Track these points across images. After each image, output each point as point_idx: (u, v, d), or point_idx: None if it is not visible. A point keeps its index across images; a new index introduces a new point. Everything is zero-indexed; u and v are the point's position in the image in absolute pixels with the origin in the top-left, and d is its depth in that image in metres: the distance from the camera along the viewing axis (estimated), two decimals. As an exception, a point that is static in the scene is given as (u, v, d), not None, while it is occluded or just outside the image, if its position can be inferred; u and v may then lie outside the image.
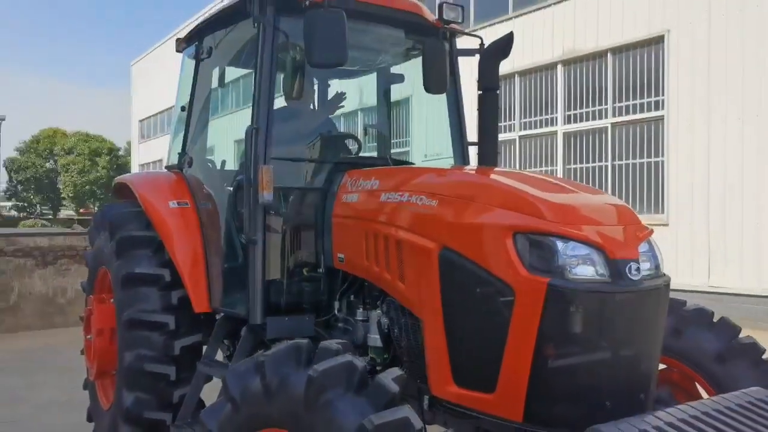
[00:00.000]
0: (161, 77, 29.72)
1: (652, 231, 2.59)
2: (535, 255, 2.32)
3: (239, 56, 4.20)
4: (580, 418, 2.20)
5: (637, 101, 10.85)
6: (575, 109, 11.87)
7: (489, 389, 2.39)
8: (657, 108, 10.53)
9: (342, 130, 4.61)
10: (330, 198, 3.35)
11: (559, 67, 12.05)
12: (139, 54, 36.21)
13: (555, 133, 12.16)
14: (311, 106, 4.44)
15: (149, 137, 34.74)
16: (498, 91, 3.58)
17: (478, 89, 3.58)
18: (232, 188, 3.59)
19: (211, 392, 3.55)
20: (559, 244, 2.29)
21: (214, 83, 4.25)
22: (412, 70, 4.25)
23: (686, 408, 2.19)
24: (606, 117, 11.28)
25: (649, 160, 10.68)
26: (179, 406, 3.66)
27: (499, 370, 2.35)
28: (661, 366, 3.18)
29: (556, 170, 12.08)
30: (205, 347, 3.83)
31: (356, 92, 4.95)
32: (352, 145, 4.22)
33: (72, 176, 57.89)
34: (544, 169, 12.37)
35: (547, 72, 12.35)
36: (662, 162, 10.43)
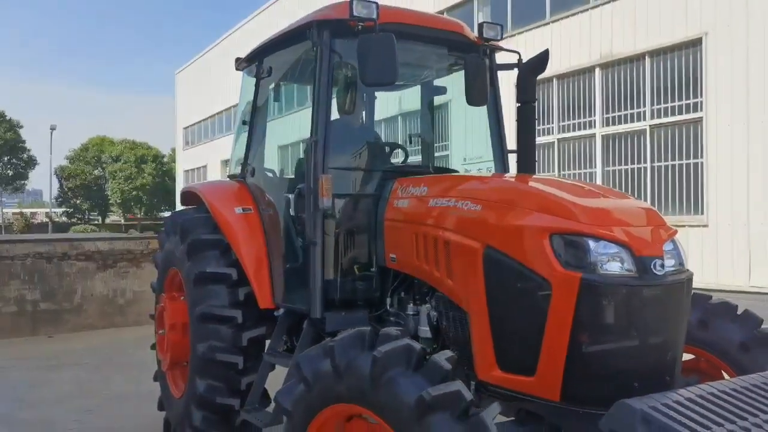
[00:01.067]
0: (204, 86, 30.62)
1: (676, 231, 2.83)
2: (569, 253, 2.58)
3: (297, 74, 4.57)
4: (611, 397, 2.36)
5: (676, 103, 10.95)
6: (613, 111, 12.00)
7: (530, 372, 2.66)
8: (696, 110, 10.61)
9: (388, 140, 4.95)
10: (382, 203, 3.65)
11: (597, 70, 12.20)
12: (184, 63, 37.32)
13: (593, 135, 12.31)
14: (360, 119, 4.79)
15: (193, 144, 35.75)
16: (534, 104, 3.85)
17: (517, 101, 3.87)
18: (293, 195, 3.95)
19: (274, 382, 3.92)
20: (591, 243, 2.56)
21: (272, 98, 4.64)
22: (453, 79, 4.57)
23: (706, 387, 2.42)
24: (644, 119, 11.39)
25: (688, 161, 10.77)
26: (246, 393, 4.01)
27: (538, 356, 2.61)
28: (689, 356, 3.44)
29: (595, 172, 12.22)
30: (268, 340, 4.19)
31: (402, 102, 5.29)
32: (399, 154, 4.55)
33: (119, 183, 59.81)
34: (582, 171, 12.52)
35: (585, 75, 12.51)
36: (701, 163, 10.51)
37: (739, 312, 3.38)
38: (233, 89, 4.15)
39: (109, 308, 9.87)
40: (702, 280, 10.33)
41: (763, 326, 3.31)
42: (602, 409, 2.42)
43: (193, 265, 4.22)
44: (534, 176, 3.54)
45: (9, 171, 61.10)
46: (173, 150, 50.49)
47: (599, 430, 2.32)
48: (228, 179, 4.81)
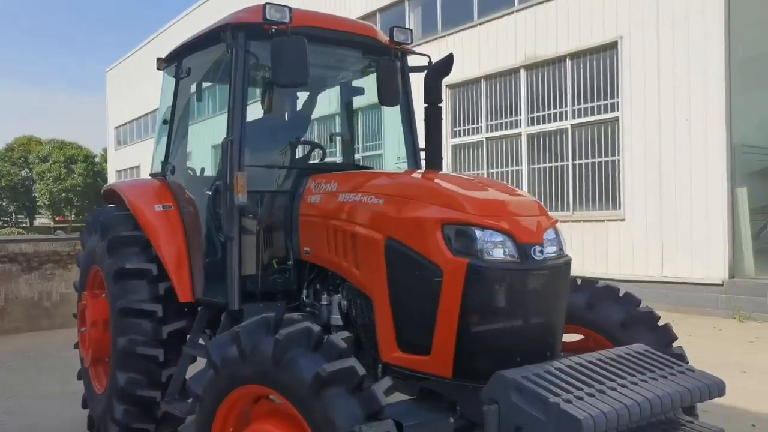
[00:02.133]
0: (136, 84, 29.96)
1: (556, 221, 3.14)
2: (458, 241, 2.84)
3: (215, 74, 4.68)
4: (496, 371, 2.60)
5: (595, 104, 11.51)
6: (538, 111, 12.51)
7: (426, 352, 2.90)
8: (612, 110, 11.19)
9: (311, 139, 5.13)
10: (297, 199, 3.84)
11: (522, 71, 12.69)
12: (114, 61, 36.37)
13: (519, 134, 12.79)
14: (284, 117, 4.96)
15: (125, 143, 34.90)
16: (441, 105, 4.11)
17: (424, 102, 4.13)
18: (210, 192, 4.09)
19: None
20: (478, 232, 2.83)
21: (193, 98, 4.75)
22: (372, 80, 4.79)
23: (576, 359, 2.74)
24: (566, 119, 11.93)
25: (606, 159, 11.35)
26: (167, 385, 4.12)
27: (432, 337, 2.86)
28: (579, 336, 3.77)
29: (521, 170, 12.71)
30: (189, 335, 4.32)
31: (324, 103, 5.48)
32: (318, 152, 4.75)
33: (48, 184, 57.63)
34: (509, 169, 13.00)
35: (511, 76, 12.99)
36: (618, 161, 11.10)
37: (621, 294, 3.69)
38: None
39: (34, 311, 9.70)
40: (620, 272, 10.94)
41: (641, 306, 3.63)
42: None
43: (113, 261, 4.30)
44: (436, 172, 3.80)
45: (-73, 172, 58.15)
46: (105, 150, 49.06)
47: None
48: (150, 178, 4.89)
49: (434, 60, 4.24)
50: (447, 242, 2.86)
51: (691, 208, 10.02)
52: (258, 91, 4.77)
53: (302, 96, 5.27)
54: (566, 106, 11.92)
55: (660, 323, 3.58)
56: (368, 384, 2.42)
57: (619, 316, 3.55)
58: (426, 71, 4.17)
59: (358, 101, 5.16)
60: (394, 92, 4.35)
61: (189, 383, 2.95)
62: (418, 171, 4.10)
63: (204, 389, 2.84)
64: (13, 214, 63.79)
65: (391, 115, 4.92)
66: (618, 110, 11.07)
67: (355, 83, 5.07)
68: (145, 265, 4.24)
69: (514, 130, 12.89)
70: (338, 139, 5.31)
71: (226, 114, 3.91)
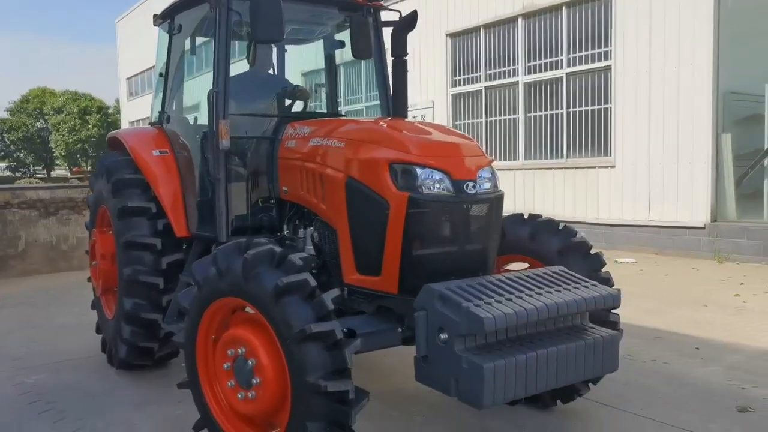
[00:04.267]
0: (147, 34, 30.13)
1: (491, 161, 3.63)
2: (402, 178, 3.32)
3: (205, 29, 5.13)
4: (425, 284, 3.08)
5: (589, 52, 11.74)
6: (534, 60, 12.75)
7: (377, 273, 3.43)
8: (606, 58, 11.43)
9: (295, 89, 5.57)
10: (276, 144, 4.34)
11: (520, 20, 12.88)
12: (124, 11, 36.44)
13: (516, 83, 13.07)
14: (271, 71, 5.41)
15: (137, 94, 35.30)
16: (406, 58, 4.54)
17: (391, 55, 4.57)
18: (200, 139, 4.59)
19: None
20: (418, 170, 3.31)
21: (187, 52, 5.21)
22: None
23: (500, 276, 3.27)
24: (561, 67, 12.18)
25: (599, 107, 11.64)
26: (167, 309, 4.72)
27: (382, 259, 3.39)
28: (525, 264, 4.28)
29: (518, 118, 13.04)
30: (185, 265, 4.87)
31: (309, 56, 5.90)
32: (301, 103, 5.21)
33: (63, 135, 58.48)
34: (507, 117, 13.33)
35: (509, 25, 13.18)
36: (610, 109, 11.40)
37: (560, 227, 4.15)
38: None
39: (53, 254, 10.37)
40: (609, 216, 11.39)
41: (576, 237, 4.08)
42: None
43: (117, 201, 4.85)
44: (393, 119, 4.28)
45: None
46: (117, 101, 49.48)
47: None
48: (149, 126, 5.40)
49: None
50: (393, 179, 3.35)
51: (677, 154, 10.37)
52: (245, 46, 5.20)
53: (291, 50, 5.73)
54: (562, 54, 12.15)
55: (591, 252, 4.04)
56: (318, 293, 2.93)
57: (556, 245, 4.01)
58: (393, 26, 4.58)
59: (341, 56, 5.58)
60: (366, 46, 4.78)
61: (178, 299, 3.52)
62: (378, 118, 4.55)
63: (190, 303, 3.41)
64: (31, 166, 64.92)
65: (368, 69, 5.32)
66: (611, 59, 11.30)
67: (337, 37, 5.49)
68: (145, 204, 4.79)
69: (512, 79, 13.17)
70: (322, 90, 5.76)
71: (213, 66, 4.32)
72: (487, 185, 3.52)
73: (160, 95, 5.26)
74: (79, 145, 58.52)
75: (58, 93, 61.98)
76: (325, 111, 5.60)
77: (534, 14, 12.61)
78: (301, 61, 5.99)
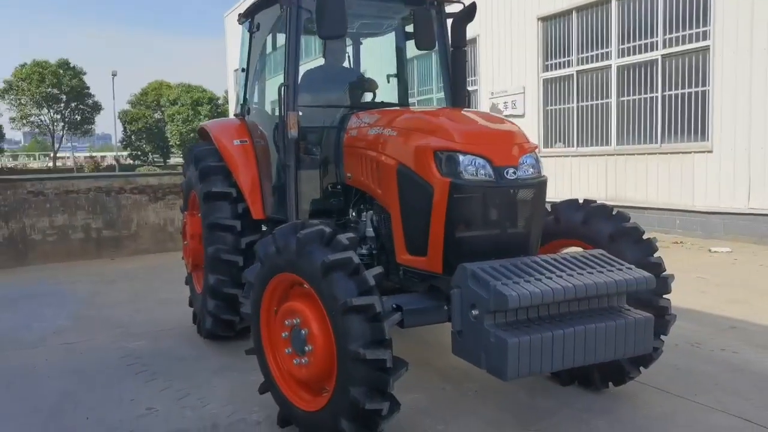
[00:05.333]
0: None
1: (536, 146, 3.76)
2: (446, 165, 3.54)
3: (280, 27, 5.52)
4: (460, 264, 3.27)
5: (686, 32, 11.24)
6: (628, 42, 12.35)
7: (424, 254, 3.67)
8: (704, 38, 10.91)
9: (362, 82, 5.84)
10: (342, 133, 4.64)
11: (613, 1, 12.50)
12: (232, 5, 38.11)
13: (609, 66, 12.72)
14: (341, 63, 5.73)
15: None
16: (465, 48, 4.70)
17: (451, 46, 4.76)
18: (274, 129, 4.98)
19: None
20: (461, 157, 3.52)
21: (268, 49, 5.62)
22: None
23: (538, 257, 3.41)
24: (657, 49, 11.73)
25: (696, 89, 11.14)
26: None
27: (428, 241, 3.63)
28: (578, 249, 4.36)
29: (611, 102, 12.70)
30: None
31: (381, 48, 6.17)
32: (375, 94, 5.51)
33: (177, 125, 62.24)
34: (599, 102, 13.01)
35: (602, 7, 12.82)
36: (708, 91, 10.89)
37: (613, 213, 4.19)
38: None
39: (161, 235, 11.31)
40: (705, 203, 10.92)
41: (629, 222, 4.11)
42: None
43: (204, 186, 5.36)
44: (442, 108, 4.49)
45: (77, 116, 64.47)
46: (226, 92, 51.93)
47: None
48: (233, 117, 5.88)
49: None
50: (438, 166, 3.58)
51: (780, 138, 9.78)
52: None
53: (365, 43, 6.03)
54: (657, 36, 11.71)
55: (644, 237, 4.07)
56: (362, 270, 3.20)
57: (608, 230, 4.06)
58: (452, 18, 4.75)
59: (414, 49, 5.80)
60: (429, 37, 4.98)
61: (246, 273, 3.90)
62: (433, 108, 4.76)
63: (255, 277, 3.81)
64: (150, 154, 69.61)
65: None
66: (709, 39, 10.78)
67: (407, 30, 5.72)
68: (227, 189, 5.26)
69: (604, 63, 12.83)
70: (394, 80, 6.01)
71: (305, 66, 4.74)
72: (530, 171, 3.67)
73: (242, 89, 5.71)
74: (192, 135, 61.98)
75: (174, 86, 66.00)
76: (396, 102, 5.85)
77: (628, -5, 12.20)
78: (378, 53, 6.26)
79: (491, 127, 3.83)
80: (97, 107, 65.35)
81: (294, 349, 3.52)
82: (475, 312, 3.10)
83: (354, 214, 4.71)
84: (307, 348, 3.40)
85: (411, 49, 5.65)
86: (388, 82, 6.03)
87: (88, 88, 63.93)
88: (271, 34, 5.64)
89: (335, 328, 3.16)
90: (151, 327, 6.25)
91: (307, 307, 3.44)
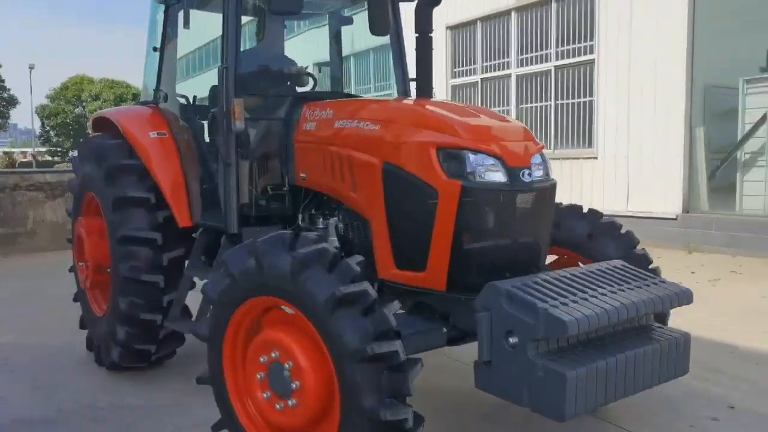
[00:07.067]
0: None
1: (543, 146, 2.74)
2: (452, 164, 2.53)
3: (205, 2, 4.00)
4: (489, 282, 2.38)
5: (575, 46, 10.61)
6: (526, 53, 11.57)
7: (421, 268, 2.63)
8: (590, 52, 10.30)
9: (299, 68, 4.43)
10: (292, 127, 3.32)
11: (513, 13, 11.65)
12: None
13: (510, 75, 11.88)
14: (274, 48, 4.24)
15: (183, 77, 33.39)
16: (431, 35, 3.47)
17: (415, 32, 3.50)
18: (207, 120, 3.44)
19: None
20: (470, 156, 2.52)
21: (181, 25, 4.02)
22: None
23: (561, 272, 2.53)
24: (550, 60, 11.02)
25: (584, 99, 10.54)
26: (168, 309, 3.67)
27: (428, 253, 2.58)
28: (552, 257, 3.37)
29: (511, 110, 11.88)
30: (187, 261, 3.77)
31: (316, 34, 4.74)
32: (308, 82, 4.08)
33: (98, 121, 56.32)
34: (500, 108, 12.15)
35: (503, 18, 11.96)
36: (594, 101, 10.29)
37: (585, 211, 3.37)
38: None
39: (59, 232, 9.28)
40: (591, 205, 10.28)
41: (603, 219, 3.30)
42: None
43: (112, 189, 3.73)
44: (427, 99, 3.34)
45: (-10, 109, 56.66)
46: None
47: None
48: (139, 106, 4.23)
49: None
50: (442, 165, 2.55)
51: (653, 146, 9.30)
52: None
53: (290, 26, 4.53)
54: (550, 48, 10.98)
55: (622, 231, 3.25)
56: (378, 307, 2.18)
57: (585, 229, 3.23)
58: (416, 2, 3.46)
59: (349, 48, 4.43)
60: (383, 21, 3.62)
61: (204, 288, 2.61)
62: (411, 98, 3.53)
63: (219, 295, 2.56)
64: (69, 151, 62.57)
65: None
66: (594, 52, 10.16)
67: (347, 13, 4.35)
68: (144, 194, 3.68)
69: (505, 71, 11.97)
70: (326, 69, 4.63)
71: (220, 42, 3.27)
72: (539, 173, 2.67)
73: (155, 72, 4.08)
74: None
75: (96, 80, 59.37)
76: (331, 92, 4.44)
77: (526, 8, 11.38)
78: (313, 39, 4.80)
79: (496, 122, 2.75)
80: (12, 101, 57.48)
81: (274, 393, 2.43)
82: (512, 340, 2.24)
83: (305, 220, 3.37)
84: (293, 386, 2.33)
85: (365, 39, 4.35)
86: (320, 71, 4.64)
87: (2, 80, 55.94)
88: (183, 10, 4.03)
89: (343, 377, 2.18)
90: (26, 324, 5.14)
91: (290, 339, 2.37)
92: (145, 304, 3.64)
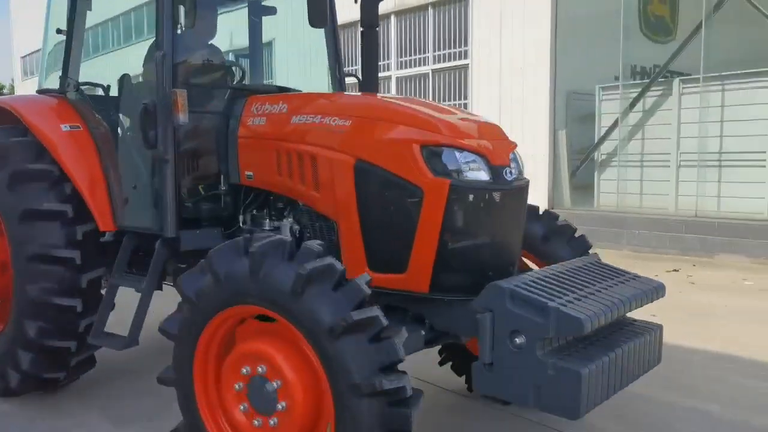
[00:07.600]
0: (44, 8, 24.20)
1: (516, 145, 2.68)
2: (438, 162, 2.35)
3: None
4: (471, 285, 2.32)
5: (451, 50, 11.01)
6: (406, 56, 11.78)
7: (400, 270, 2.41)
8: (464, 57, 10.76)
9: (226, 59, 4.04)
10: (233, 121, 2.95)
11: (392, 17, 11.79)
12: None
13: (390, 77, 12.03)
14: (204, 36, 3.80)
15: (34, 74, 28.33)
16: (377, 29, 3.31)
17: (360, 26, 3.31)
18: (140, 111, 2.92)
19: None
20: (456, 154, 2.36)
21: (87, 5, 3.45)
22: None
23: (547, 269, 2.46)
24: (428, 64, 11.34)
25: (459, 102, 10.98)
26: (85, 335, 3.08)
27: (410, 254, 2.38)
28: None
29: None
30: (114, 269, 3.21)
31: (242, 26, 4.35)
32: (237, 74, 3.73)
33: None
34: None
35: (383, 22, 12.05)
36: (467, 105, 10.75)
37: (540, 213, 3.24)
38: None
39: None
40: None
41: (559, 221, 3.20)
42: (463, 295, 2.35)
43: (18, 199, 3.06)
44: (388, 95, 3.13)
45: None
46: (12, 81, 40.44)
47: (462, 314, 2.31)
48: (43, 95, 3.57)
49: None
50: (427, 163, 2.34)
51: (523, 149, 9.88)
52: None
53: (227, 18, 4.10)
54: (428, 52, 11.30)
55: (576, 235, 3.17)
56: (387, 335, 1.98)
57: (540, 231, 3.12)
58: None
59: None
60: (322, 13, 3.41)
61: (165, 327, 2.31)
62: (371, 94, 3.34)
63: (180, 328, 2.26)
64: None
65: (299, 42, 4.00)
66: (468, 58, 10.65)
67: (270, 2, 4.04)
68: (59, 206, 3.05)
69: (386, 73, 12.08)
70: (245, 62, 4.27)
71: (155, 26, 2.87)
72: (516, 171, 2.57)
73: (59, 56, 3.47)
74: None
75: None
76: (277, 86, 4.09)
77: (405, 12, 11.57)
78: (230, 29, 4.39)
79: (473, 119, 2.63)
80: None
81: (253, 407, 2.19)
82: (518, 340, 2.10)
83: (247, 221, 3.04)
84: (278, 405, 2.11)
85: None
86: (237, 60, 4.26)
87: None
88: None
89: (341, 410, 1.95)
90: None
91: (282, 356, 2.12)
92: (57, 330, 3.02)
